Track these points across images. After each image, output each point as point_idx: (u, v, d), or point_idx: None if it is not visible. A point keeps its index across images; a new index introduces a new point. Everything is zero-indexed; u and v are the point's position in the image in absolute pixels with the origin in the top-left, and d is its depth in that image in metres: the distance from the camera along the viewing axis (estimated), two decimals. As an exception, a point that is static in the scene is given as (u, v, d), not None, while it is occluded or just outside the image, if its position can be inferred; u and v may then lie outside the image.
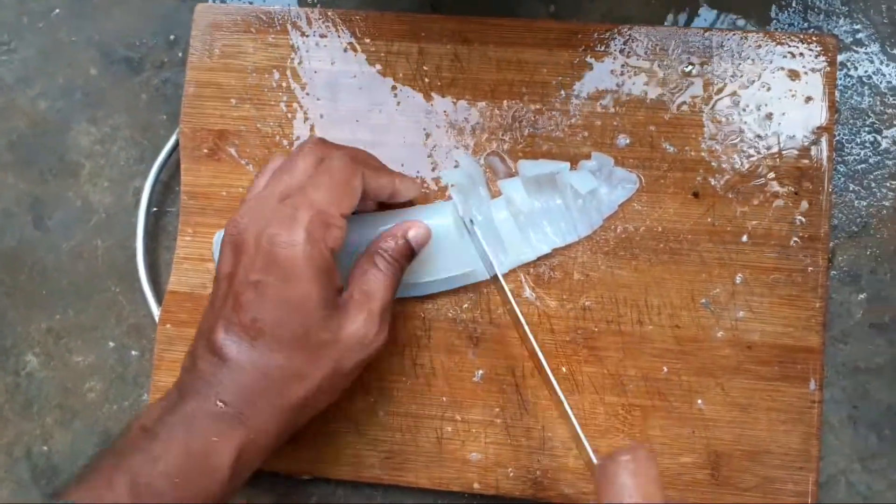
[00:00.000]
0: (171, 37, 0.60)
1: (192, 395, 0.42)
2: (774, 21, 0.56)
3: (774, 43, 0.53)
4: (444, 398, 0.53)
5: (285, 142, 0.55)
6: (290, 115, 0.56)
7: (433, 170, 0.55)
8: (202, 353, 0.44)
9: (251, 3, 0.59)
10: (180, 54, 0.60)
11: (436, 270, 0.52)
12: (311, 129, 0.55)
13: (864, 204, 0.54)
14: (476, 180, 0.54)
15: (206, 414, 0.42)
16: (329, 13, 0.56)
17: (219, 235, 0.54)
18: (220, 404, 0.42)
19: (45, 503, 0.39)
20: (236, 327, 0.43)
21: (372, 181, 0.47)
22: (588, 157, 0.53)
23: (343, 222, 0.45)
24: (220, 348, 0.43)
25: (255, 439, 0.43)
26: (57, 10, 0.61)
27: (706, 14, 0.57)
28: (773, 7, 0.56)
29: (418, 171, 0.55)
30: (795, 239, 0.52)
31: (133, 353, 0.58)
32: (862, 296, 0.54)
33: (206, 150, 0.56)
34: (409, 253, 0.49)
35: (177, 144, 0.57)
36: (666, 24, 0.57)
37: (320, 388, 0.44)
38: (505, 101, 0.54)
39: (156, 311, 0.56)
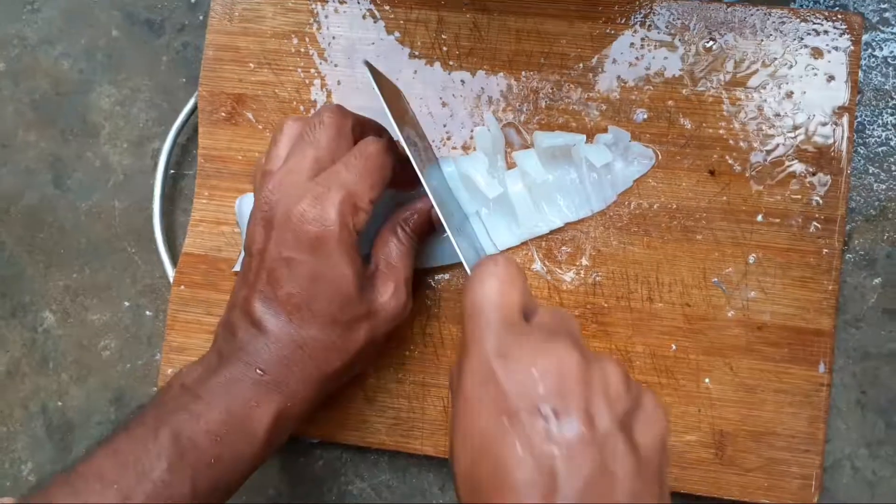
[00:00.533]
0: (192, 0, 0.60)
1: (232, 362, 0.44)
2: (800, -2, 0.55)
3: (799, 20, 0.52)
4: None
5: (302, 107, 0.55)
6: (307, 81, 0.56)
7: (449, 139, 0.54)
8: (241, 322, 0.45)
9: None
10: (201, 17, 0.60)
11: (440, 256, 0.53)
12: (329, 95, 0.55)
13: (884, 187, 0.54)
14: (497, 148, 0.53)
15: (246, 380, 0.43)
16: (349, -21, 0.56)
17: (240, 201, 0.55)
18: (260, 372, 0.43)
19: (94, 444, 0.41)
20: (273, 301, 0.44)
21: (397, 173, 0.47)
22: (605, 131, 0.53)
23: (370, 208, 0.45)
24: (259, 320, 0.44)
25: (291, 406, 0.44)
26: (80, -29, 0.62)
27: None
28: (800, -16, 0.55)
29: (433, 140, 0.54)
30: (811, 220, 0.51)
31: (147, 313, 0.59)
32: (877, 280, 0.53)
33: (223, 114, 0.56)
34: (430, 228, 0.50)
35: (195, 108, 0.57)
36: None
37: (354, 358, 0.46)
38: (523, 73, 0.54)
39: (171, 272, 0.57)
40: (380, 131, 0.50)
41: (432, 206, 0.47)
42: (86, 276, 0.60)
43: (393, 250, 0.48)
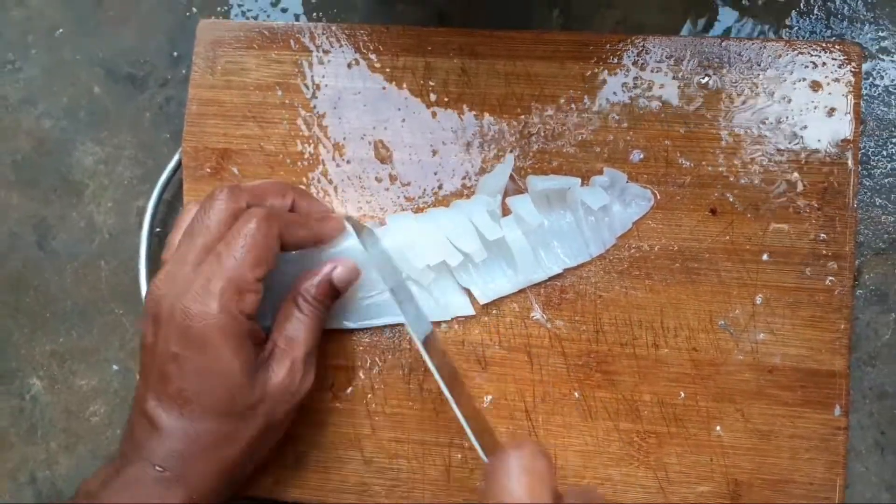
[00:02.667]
0: (175, 54, 0.59)
1: (133, 461, 0.43)
2: (796, 28, 0.54)
3: (795, 52, 0.51)
4: (453, 425, 0.51)
5: (289, 160, 0.54)
6: (293, 133, 0.54)
7: (440, 187, 0.53)
8: (138, 420, 0.44)
9: (255, 18, 0.58)
10: (184, 71, 0.59)
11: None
12: (316, 146, 0.54)
13: (892, 219, 0.52)
14: (498, 189, 0.52)
15: (147, 478, 0.43)
16: (333, 28, 0.54)
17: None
18: (159, 469, 0.43)
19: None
20: (164, 397, 0.44)
21: (290, 238, 0.46)
22: (600, 172, 0.51)
23: (259, 286, 0.45)
24: (153, 417, 0.44)
25: (196, 500, 0.43)
26: (60, 30, 0.61)
27: (725, 18, 0.54)
28: (794, 13, 0.54)
29: (424, 190, 0.53)
30: (819, 257, 0.50)
31: (136, 376, 0.57)
32: (890, 316, 0.51)
33: (208, 170, 0.55)
34: (333, 293, 0.49)
35: (179, 163, 0.56)
36: (683, 31, 0.54)
37: (254, 444, 0.45)
38: (514, 116, 0.53)
39: (159, 333, 0.55)
40: (283, 192, 0.49)
41: (333, 270, 0.47)
42: (73, 340, 0.58)
43: (294, 324, 0.47)
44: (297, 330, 0.47)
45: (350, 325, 0.52)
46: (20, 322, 0.59)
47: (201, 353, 0.43)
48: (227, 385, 0.44)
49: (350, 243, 0.50)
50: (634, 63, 0.52)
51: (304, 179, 0.54)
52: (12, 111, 0.60)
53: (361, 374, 0.52)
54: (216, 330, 0.43)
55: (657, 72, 0.52)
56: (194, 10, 0.59)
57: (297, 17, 0.58)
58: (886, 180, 0.52)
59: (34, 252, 0.59)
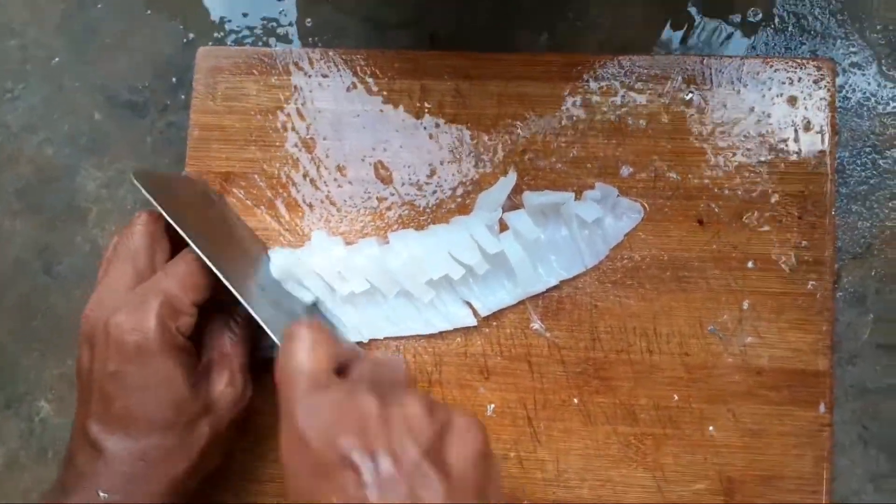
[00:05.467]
0: (174, 80, 0.61)
1: (76, 491, 0.43)
2: (771, 45, 0.57)
3: (772, 68, 0.54)
4: (458, 432, 0.53)
5: (292, 182, 0.56)
6: (295, 156, 0.56)
7: (439, 204, 0.55)
8: (80, 447, 0.44)
9: (252, 44, 0.60)
10: (183, 97, 0.60)
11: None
12: (318, 167, 0.56)
13: (868, 224, 0.55)
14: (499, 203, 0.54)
15: None
16: (330, 53, 0.56)
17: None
18: (104, 495, 0.42)
19: None
20: (107, 418, 0.44)
21: None
22: (592, 187, 0.54)
23: (193, 310, 0.46)
24: (95, 441, 0.44)
25: None
26: (57, 58, 0.62)
27: (705, 28, 0.57)
28: (769, 30, 0.57)
29: (424, 208, 0.55)
30: (801, 263, 0.52)
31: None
32: (869, 316, 0.54)
33: (212, 193, 0.56)
34: None
35: (183, 188, 0.57)
36: (661, 39, 0.57)
37: (201, 455, 0.46)
38: (508, 135, 0.55)
39: (168, 354, 0.56)
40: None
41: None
42: (81, 363, 0.59)
43: (225, 340, 0.49)
44: (229, 345, 0.49)
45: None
46: (28, 346, 0.60)
47: (141, 366, 0.43)
48: (171, 396, 0.44)
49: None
50: (622, 83, 0.54)
51: (308, 201, 0.55)
52: (13, 139, 0.62)
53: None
54: (154, 342, 0.43)
55: (643, 90, 0.54)
56: (191, 35, 0.61)
57: (291, 42, 0.60)
58: (861, 188, 0.55)
59: (41, 277, 0.60)
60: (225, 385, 0.47)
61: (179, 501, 0.46)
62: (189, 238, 0.46)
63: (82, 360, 0.46)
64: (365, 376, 0.42)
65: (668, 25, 0.57)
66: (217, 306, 0.50)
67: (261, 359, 0.52)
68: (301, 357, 0.40)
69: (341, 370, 0.42)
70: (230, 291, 0.46)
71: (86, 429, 0.44)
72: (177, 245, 0.49)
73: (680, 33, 0.57)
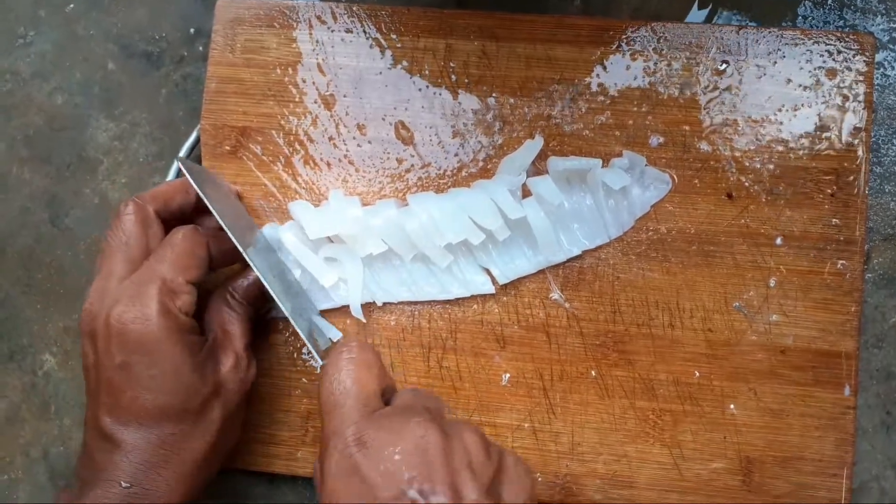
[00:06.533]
0: (191, 31, 0.59)
1: (93, 486, 0.42)
2: (810, 18, 0.55)
3: (811, 41, 0.52)
4: (471, 402, 0.52)
5: (309, 139, 0.54)
6: (314, 113, 0.54)
7: (460, 168, 0.53)
8: (95, 443, 0.44)
9: (273, -4, 0.58)
10: (200, 49, 0.59)
11: None
12: (337, 125, 0.54)
13: (900, 206, 0.53)
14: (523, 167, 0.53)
15: (114, 498, 0.42)
16: (354, 8, 0.55)
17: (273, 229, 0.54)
18: (125, 485, 0.42)
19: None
20: (119, 411, 0.43)
21: (217, 251, 0.48)
22: (619, 156, 0.52)
23: (190, 288, 0.45)
24: (111, 435, 0.43)
25: None
26: (72, 5, 0.60)
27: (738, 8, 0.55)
28: (808, 3, 0.55)
29: (444, 170, 0.53)
30: (831, 242, 0.51)
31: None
32: (897, 300, 0.53)
33: (228, 148, 0.55)
34: (261, 296, 0.50)
35: (198, 141, 0.56)
36: (696, 18, 0.55)
37: (218, 438, 0.46)
38: (534, 99, 0.53)
39: (176, 310, 0.55)
40: (185, 188, 0.49)
41: (258, 278, 0.48)
42: (86, 317, 0.58)
43: (226, 318, 0.49)
44: (231, 324, 0.48)
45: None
46: (32, 298, 0.58)
47: (147, 355, 0.43)
48: (180, 381, 0.44)
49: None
50: (654, 49, 0.53)
51: (325, 159, 0.54)
52: (24, 86, 0.60)
53: (382, 352, 0.53)
54: (157, 329, 0.43)
55: (676, 59, 0.53)
56: (210, -14, 0.59)
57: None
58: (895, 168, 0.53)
59: (47, 228, 0.59)
60: (232, 363, 0.47)
61: (199, 490, 0.46)
62: (219, 216, 0.47)
63: (87, 354, 0.45)
64: (411, 402, 0.41)
65: (702, -6, 0.55)
66: (213, 285, 0.49)
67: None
68: (351, 378, 0.40)
69: (386, 397, 0.42)
70: (229, 264, 0.48)
71: (99, 423, 0.44)
72: (168, 228, 0.48)
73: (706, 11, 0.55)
